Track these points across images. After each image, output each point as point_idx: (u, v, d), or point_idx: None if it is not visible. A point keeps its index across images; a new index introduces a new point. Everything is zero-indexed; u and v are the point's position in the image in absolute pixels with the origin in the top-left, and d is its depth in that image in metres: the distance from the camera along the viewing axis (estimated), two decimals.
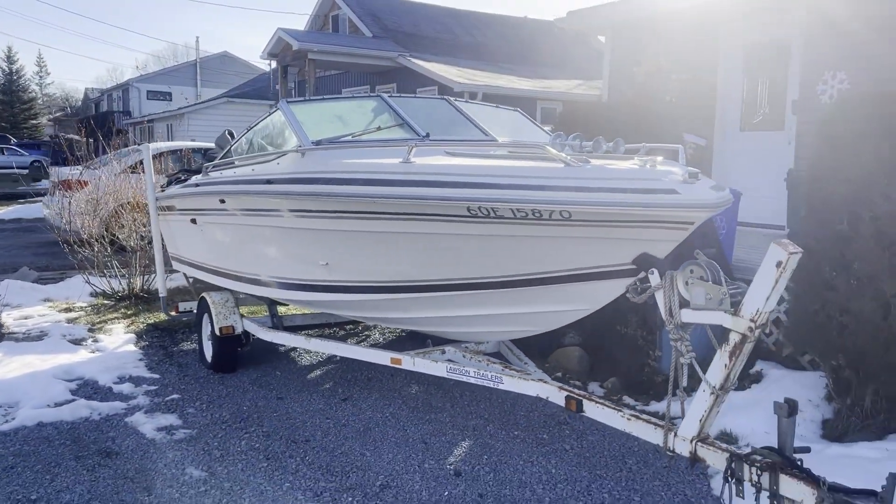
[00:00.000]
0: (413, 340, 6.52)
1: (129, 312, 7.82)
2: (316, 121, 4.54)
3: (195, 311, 7.01)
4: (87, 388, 5.50)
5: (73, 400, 5.22)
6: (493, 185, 3.11)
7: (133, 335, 6.97)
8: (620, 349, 5.52)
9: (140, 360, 6.26)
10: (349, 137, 4.38)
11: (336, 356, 6.00)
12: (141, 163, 9.27)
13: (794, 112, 7.56)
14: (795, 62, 7.63)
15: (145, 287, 8.39)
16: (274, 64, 35.20)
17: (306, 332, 5.79)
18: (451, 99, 5.25)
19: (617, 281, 3.28)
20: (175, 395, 5.35)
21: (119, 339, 6.83)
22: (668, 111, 8.74)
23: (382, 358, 4.59)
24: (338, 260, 4.19)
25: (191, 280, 7.34)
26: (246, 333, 5.86)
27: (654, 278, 3.08)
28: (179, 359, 6.36)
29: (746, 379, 5.04)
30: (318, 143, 4.23)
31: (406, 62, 19.92)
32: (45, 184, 33.53)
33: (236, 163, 5.16)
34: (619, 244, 3.12)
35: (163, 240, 6.85)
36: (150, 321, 7.49)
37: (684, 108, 8.89)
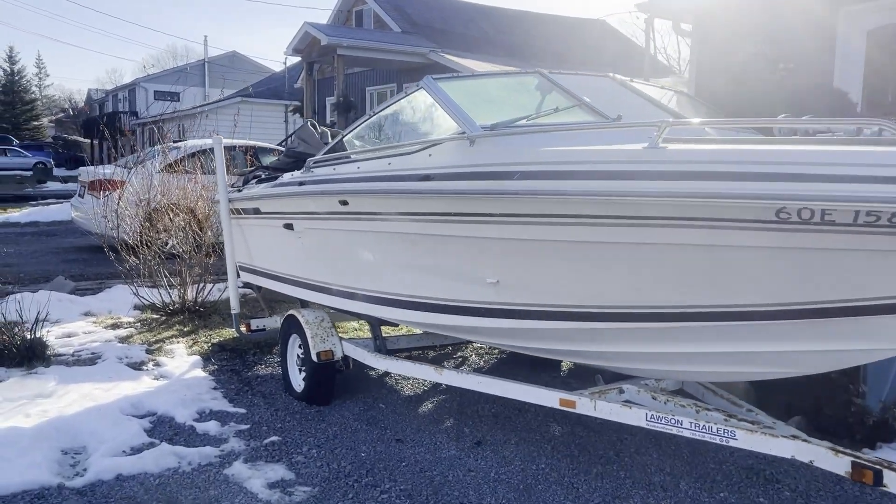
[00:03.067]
0: (522, 366, 5.63)
1: (185, 329, 6.90)
2: (471, 102, 3.64)
3: (267, 328, 6.15)
4: (165, 427, 4.59)
5: (153, 443, 4.31)
6: (829, 177, 2.21)
7: (198, 357, 6.05)
8: (801, 379, 4.61)
9: (214, 388, 5.35)
10: (524, 121, 3.48)
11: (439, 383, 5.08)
12: (179, 161, 8.43)
13: None
14: None
15: (199, 299, 7.47)
16: (289, 62, 34.29)
17: (404, 354, 4.91)
18: (617, 75, 4.35)
19: None
20: (274, 437, 4.43)
21: (183, 362, 5.91)
22: (772, 103, 7.87)
23: (548, 399, 3.69)
24: (516, 277, 3.28)
25: (259, 292, 6.44)
26: (345, 359, 4.97)
27: None
28: (259, 387, 5.44)
29: None
30: (491, 128, 3.33)
31: (438, 58, 19.03)
32: (51, 186, 32.70)
33: (353, 157, 4.25)
34: None
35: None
36: (213, 340, 6.57)
37: (792, 99, 8.00)
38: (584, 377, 5.35)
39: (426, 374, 4.27)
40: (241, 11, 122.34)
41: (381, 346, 4.98)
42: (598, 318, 3.12)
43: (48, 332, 6.34)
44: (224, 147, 9.54)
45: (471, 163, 3.23)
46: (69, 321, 7.05)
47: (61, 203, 19.22)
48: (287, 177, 4.95)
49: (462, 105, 3.53)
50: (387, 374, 5.64)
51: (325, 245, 4.57)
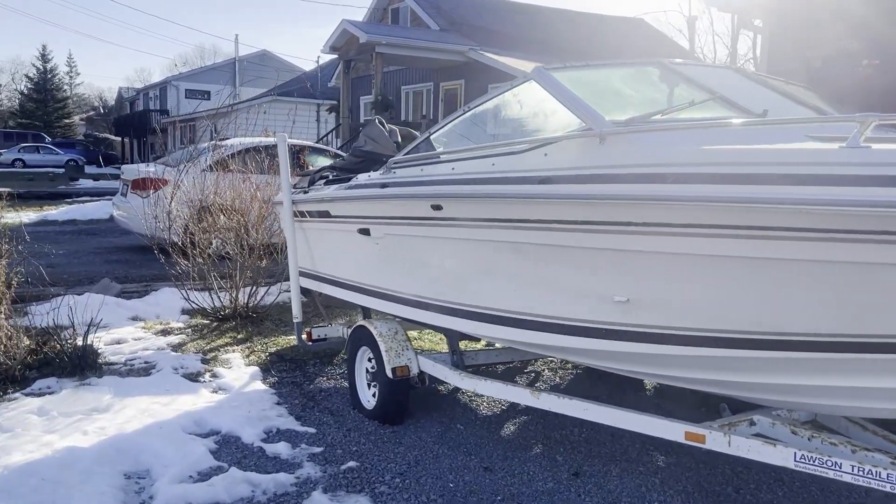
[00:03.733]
0: (602, 382, 5.22)
1: (238, 336, 6.56)
2: (590, 95, 3.23)
3: (328, 338, 5.79)
4: (232, 449, 4.23)
5: (221, 468, 3.96)
6: None
7: (256, 368, 5.71)
8: None
9: (278, 403, 4.99)
10: (659, 116, 3.07)
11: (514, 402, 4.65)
12: (226, 160, 8.11)
13: None
14: None
15: (251, 304, 7.13)
16: (321, 61, 34.07)
17: (477, 369, 4.51)
18: (738, 66, 3.91)
19: None
20: (351, 463, 4.05)
21: (241, 373, 5.57)
22: (855, 101, 7.38)
23: (670, 431, 3.26)
24: (653, 296, 2.86)
25: (320, 298, 6.09)
26: (421, 375, 4.58)
27: None
28: (325, 402, 5.07)
29: None
30: (625, 123, 2.93)
31: (477, 56, 18.63)
32: (83, 183, 32.75)
33: (443, 157, 3.86)
34: None
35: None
36: (270, 349, 6.22)
37: (878, 96, 7.51)
38: (676, 398, 4.93)
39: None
40: (272, 10, 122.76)
41: (459, 361, 4.59)
42: (759, 347, 2.69)
43: (96, 338, 6.03)
44: (271, 146, 9.25)
45: (604, 163, 2.82)
46: (117, 326, 6.75)
47: (97, 201, 19.10)
48: (363, 178, 4.58)
49: (583, 98, 3.12)
50: (457, 389, 5.25)
51: (406, 252, 4.18)
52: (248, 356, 5.99)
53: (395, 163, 4.17)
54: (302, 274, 5.69)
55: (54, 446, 4.03)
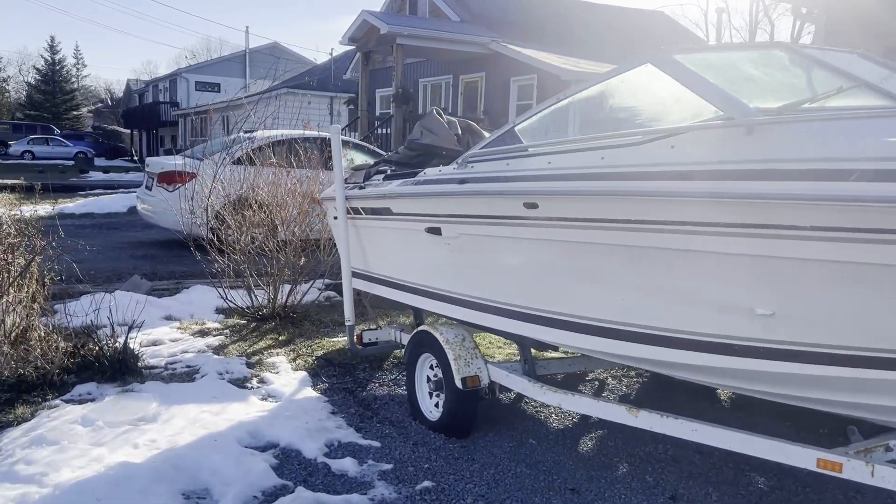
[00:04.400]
0: (673, 391, 4.89)
1: (280, 338, 6.25)
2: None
3: (379, 342, 5.48)
4: (294, 464, 3.92)
5: (286, 487, 3.65)
6: None
7: (305, 374, 5.39)
8: None
9: (333, 412, 4.68)
10: (808, 104, 2.73)
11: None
12: (251, 154, 7.80)
13: None
14: None
15: (290, 303, 6.82)
16: (335, 53, 33.67)
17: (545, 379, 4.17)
18: (862, 51, 3.54)
19: None
20: (426, 483, 3.74)
21: (290, 379, 5.25)
22: None
23: (800, 457, 2.92)
24: (808, 310, 2.52)
25: (368, 299, 5.78)
26: (491, 386, 4.27)
27: None
28: (383, 411, 4.76)
29: None
30: (777, 112, 2.59)
31: (499, 48, 18.21)
32: (94, 176, 32.47)
33: (533, 150, 3.52)
34: None
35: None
36: (316, 352, 5.90)
37: None
38: (762, 411, 4.61)
39: (615, 415, 3.52)
40: (282, 1, 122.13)
41: (531, 370, 4.27)
42: None
43: (132, 338, 5.72)
44: (300, 138, 8.87)
45: (754, 157, 2.48)
46: (151, 326, 6.41)
47: (112, 194, 18.81)
48: (432, 172, 4.25)
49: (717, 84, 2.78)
50: (519, 398, 4.94)
51: (484, 254, 3.85)
52: (294, 360, 5.67)
53: (472, 157, 3.83)
54: (355, 275, 5.36)
55: (105, 461, 3.73)
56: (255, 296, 6.83)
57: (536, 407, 4.86)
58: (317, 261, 6.99)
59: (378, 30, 17.83)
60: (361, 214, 5.03)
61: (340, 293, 7.83)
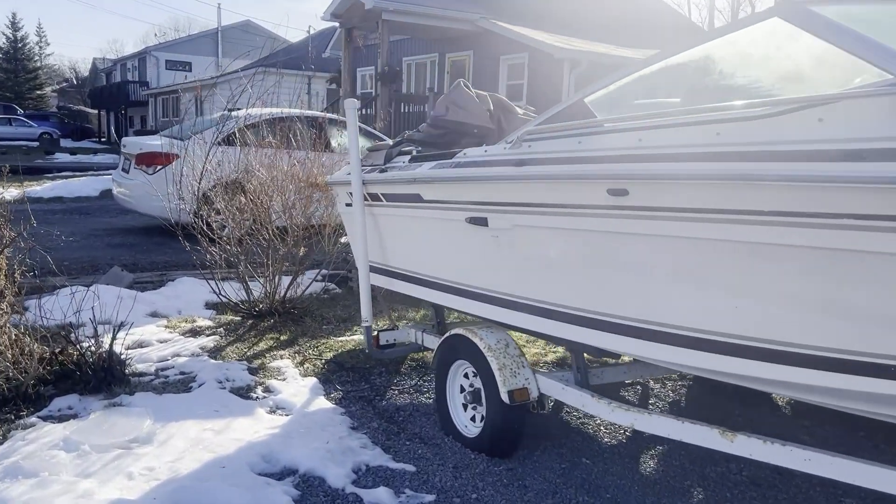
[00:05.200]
0: (720, 397, 4.40)
1: (281, 338, 5.64)
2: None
3: (397, 343, 4.92)
4: (320, 497, 3.33)
5: None
6: None
7: (314, 380, 4.80)
8: None
9: (354, 427, 4.10)
10: None
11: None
12: (234, 135, 7.15)
13: None
14: None
15: (288, 298, 6.20)
16: (313, 30, 32.71)
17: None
18: None
19: None
20: None
21: (299, 387, 4.66)
22: None
23: None
24: None
25: (381, 295, 5.20)
26: (540, 399, 3.72)
27: None
28: (409, 425, 4.19)
29: None
30: None
31: (489, 25, 17.54)
32: (60, 157, 31.18)
33: (615, 126, 2.94)
34: None
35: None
36: (324, 355, 5.30)
37: None
38: (829, 419, 4.13)
39: (706, 439, 2.98)
40: None
41: (584, 380, 3.73)
42: None
43: (116, 341, 5.07)
44: (286, 118, 8.16)
45: None
46: (136, 325, 5.71)
47: (81, 176, 17.89)
48: (475, 153, 3.66)
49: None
50: (559, 406, 4.41)
51: (546, 249, 3.26)
52: (301, 364, 5.07)
53: (530, 134, 3.24)
54: (372, 267, 4.77)
55: (95, 498, 3.12)
56: (252, 290, 6.20)
57: (579, 417, 4.33)
58: (319, 251, 6.38)
59: (363, 4, 17.06)
60: (382, 201, 4.43)
61: (340, 285, 7.25)
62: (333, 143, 9.12)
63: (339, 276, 7.29)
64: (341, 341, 5.58)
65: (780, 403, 4.59)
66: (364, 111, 18.94)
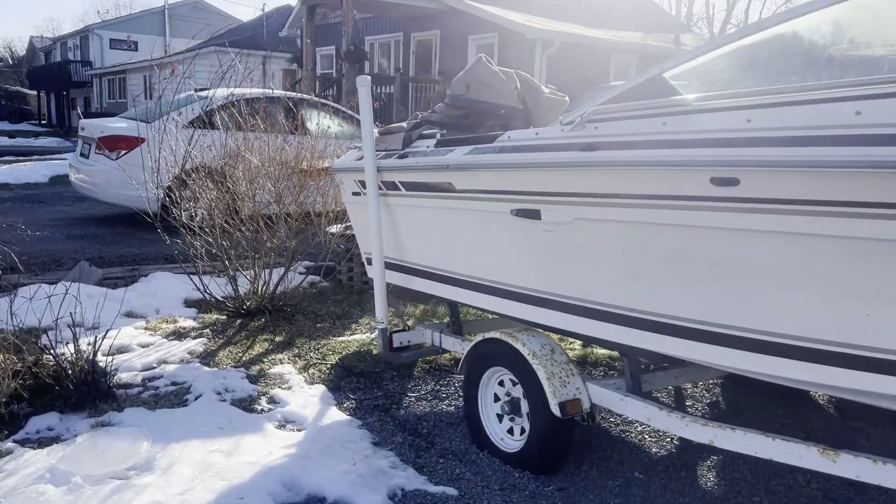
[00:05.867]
0: (758, 395, 4.13)
1: (276, 339, 5.15)
2: None
3: (411, 345, 4.51)
4: None
5: None
6: None
7: (323, 387, 4.36)
8: None
9: (377, 444, 3.68)
10: None
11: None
12: (203, 116, 6.63)
13: None
14: None
15: (277, 292, 5.71)
16: (268, 8, 31.68)
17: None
18: None
19: None
20: None
21: (307, 396, 4.21)
22: None
23: None
24: None
25: (390, 288, 4.76)
26: (592, 410, 3.36)
27: None
28: (438, 439, 3.79)
29: None
30: None
31: (456, 3, 17.02)
32: (0, 140, 29.54)
33: (696, 104, 2.56)
34: None
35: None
36: (327, 358, 4.84)
37: None
38: (862, 416, 3.87)
39: (803, 458, 2.63)
40: None
41: (637, 387, 3.38)
42: None
43: (87, 345, 4.51)
44: (263, 98, 7.57)
45: None
46: (113, 327, 5.19)
47: (27, 161, 16.84)
48: (523, 136, 3.24)
49: None
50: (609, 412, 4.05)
51: (619, 246, 2.86)
52: (304, 369, 4.61)
53: (598, 114, 2.84)
54: (388, 263, 4.32)
55: None
56: (238, 285, 5.69)
57: (618, 423, 4.00)
58: (312, 243, 5.90)
59: None
60: (400, 191, 3.99)
61: (326, 278, 6.78)
62: (311, 126, 8.57)
63: (325, 269, 6.82)
64: (342, 342, 5.13)
65: (821, 402, 4.33)
66: (327, 93, 18.28)
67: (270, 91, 8.89)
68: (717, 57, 2.76)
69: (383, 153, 4.12)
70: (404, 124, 4.28)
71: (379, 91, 16.54)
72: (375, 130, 4.26)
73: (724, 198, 2.38)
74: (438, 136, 3.89)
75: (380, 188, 4.09)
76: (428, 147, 3.85)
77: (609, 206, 2.79)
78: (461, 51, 17.54)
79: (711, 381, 4.64)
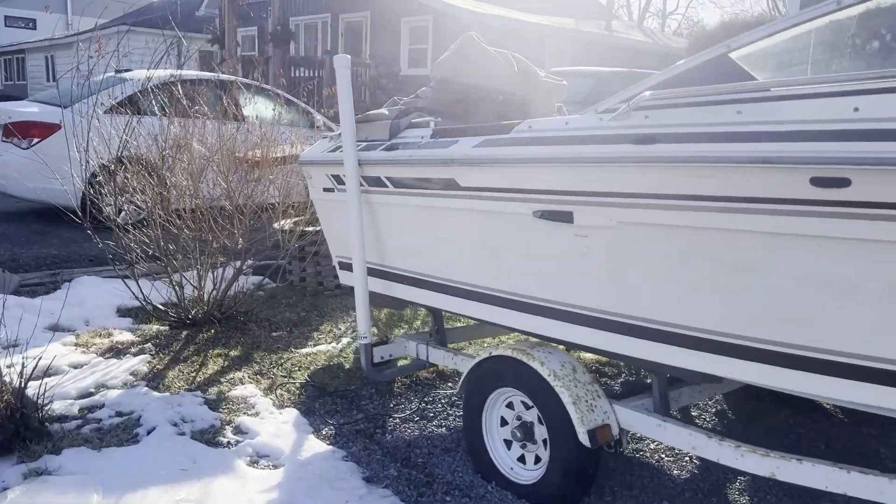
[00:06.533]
0: (771, 402, 3.88)
1: (231, 353, 4.56)
2: None
3: (393, 359, 4.05)
4: None
5: None
6: None
7: (294, 411, 3.82)
8: None
9: (368, 480, 3.20)
10: None
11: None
12: (127, 101, 5.99)
13: None
14: None
15: (221, 300, 5.09)
16: None
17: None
18: None
19: None
20: None
21: (278, 423, 3.67)
22: None
23: None
24: None
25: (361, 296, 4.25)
26: (621, 436, 2.98)
27: None
28: (437, 470, 3.33)
29: None
30: None
31: None
32: None
33: (775, 90, 2.17)
34: None
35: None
36: (294, 375, 4.29)
37: None
38: (877, 423, 3.66)
39: (885, 493, 2.33)
40: None
41: (665, 406, 3.02)
42: None
43: (6, 368, 3.81)
44: (188, 80, 6.83)
45: None
46: (36, 344, 4.46)
47: None
48: (547, 126, 2.79)
49: None
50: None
51: (674, 253, 2.44)
52: (270, 390, 4.05)
53: (651, 101, 2.42)
54: (371, 268, 3.80)
55: None
56: (176, 291, 5.05)
57: (630, 442, 3.64)
58: (267, 240, 5.31)
59: None
60: (387, 187, 3.48)
61: (274, 279, 6.20)
62: (246, 112, 7.86)
63: (273, 269, 6.21)
64: (307, 354, 4.59)
65: (832, 410, 4.10)
66: (251, 75, 17.33)
67: (208, 74, 8.13)
68: (800, 34, 2.38)
69: (364, 144, 3.60)
70: (385, 111, 3.77)
71: (300, 74, 15.77)
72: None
73: (829, 201, 2.00)
74: (433, 124, 3.40)
75: (361, 184, 3.58)
76: (422, 138, 3.35)
77: (668, 209, 2.38)
78: (394, 33, 16.96)
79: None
